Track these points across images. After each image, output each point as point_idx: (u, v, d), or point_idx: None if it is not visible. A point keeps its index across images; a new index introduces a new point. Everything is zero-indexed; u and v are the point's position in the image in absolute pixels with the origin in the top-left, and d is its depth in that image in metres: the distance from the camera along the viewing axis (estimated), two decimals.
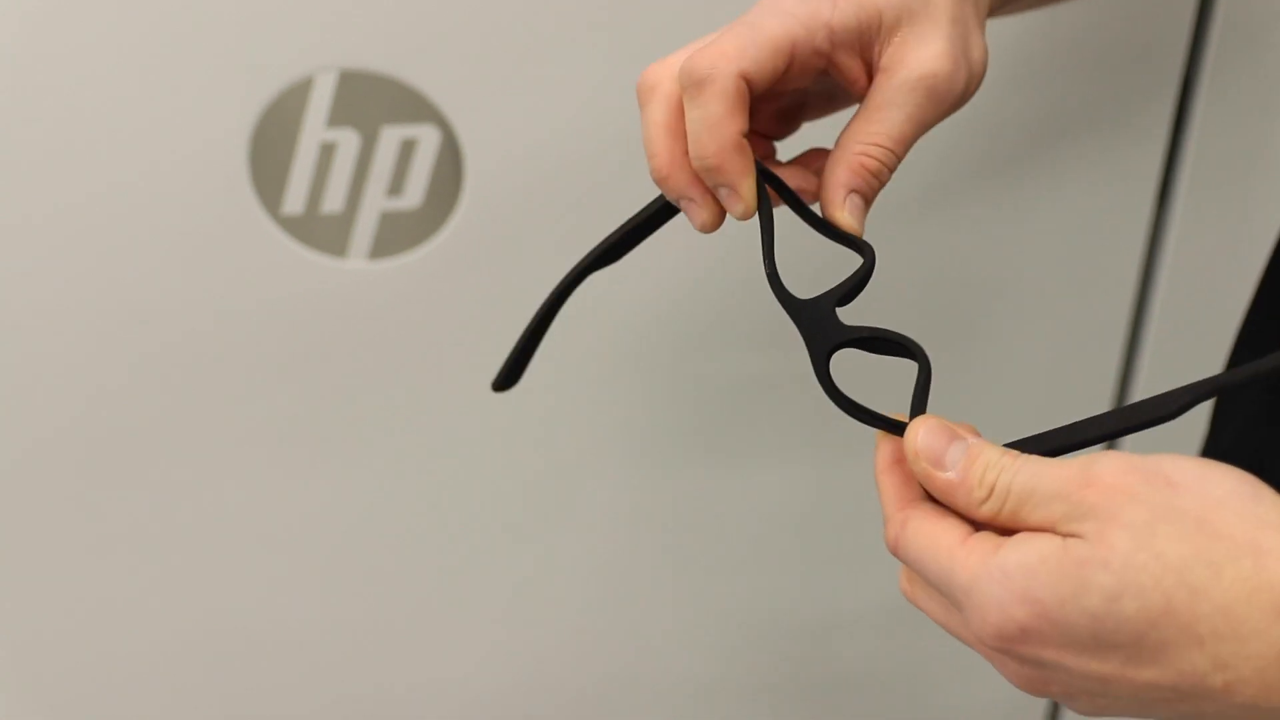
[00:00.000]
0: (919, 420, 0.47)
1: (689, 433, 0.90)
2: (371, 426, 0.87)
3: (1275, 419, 0.68)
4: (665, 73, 0.56)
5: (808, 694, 1.01)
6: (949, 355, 0.87)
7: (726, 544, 0.95)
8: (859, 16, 0.53)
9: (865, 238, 0.54)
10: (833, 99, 0.60)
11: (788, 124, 0.61)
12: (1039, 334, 0.89)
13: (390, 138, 0.77)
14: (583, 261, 0.63)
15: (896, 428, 0.50)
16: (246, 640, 0.96)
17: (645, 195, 0.80)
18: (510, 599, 0.96)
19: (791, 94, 0.60)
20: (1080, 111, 0.81)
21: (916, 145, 0.55)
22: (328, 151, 0.77)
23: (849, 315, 0.52)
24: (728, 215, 0.57)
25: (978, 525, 0.45)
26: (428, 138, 0.77)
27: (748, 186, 0.54)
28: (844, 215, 0.54)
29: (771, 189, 0.57)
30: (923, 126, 0.54)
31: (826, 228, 0.55)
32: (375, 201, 0.79)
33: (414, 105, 0.76)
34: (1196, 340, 0.89)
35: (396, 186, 0.79)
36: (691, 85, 0.54)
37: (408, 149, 0.78)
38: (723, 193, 0.55)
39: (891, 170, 0.54)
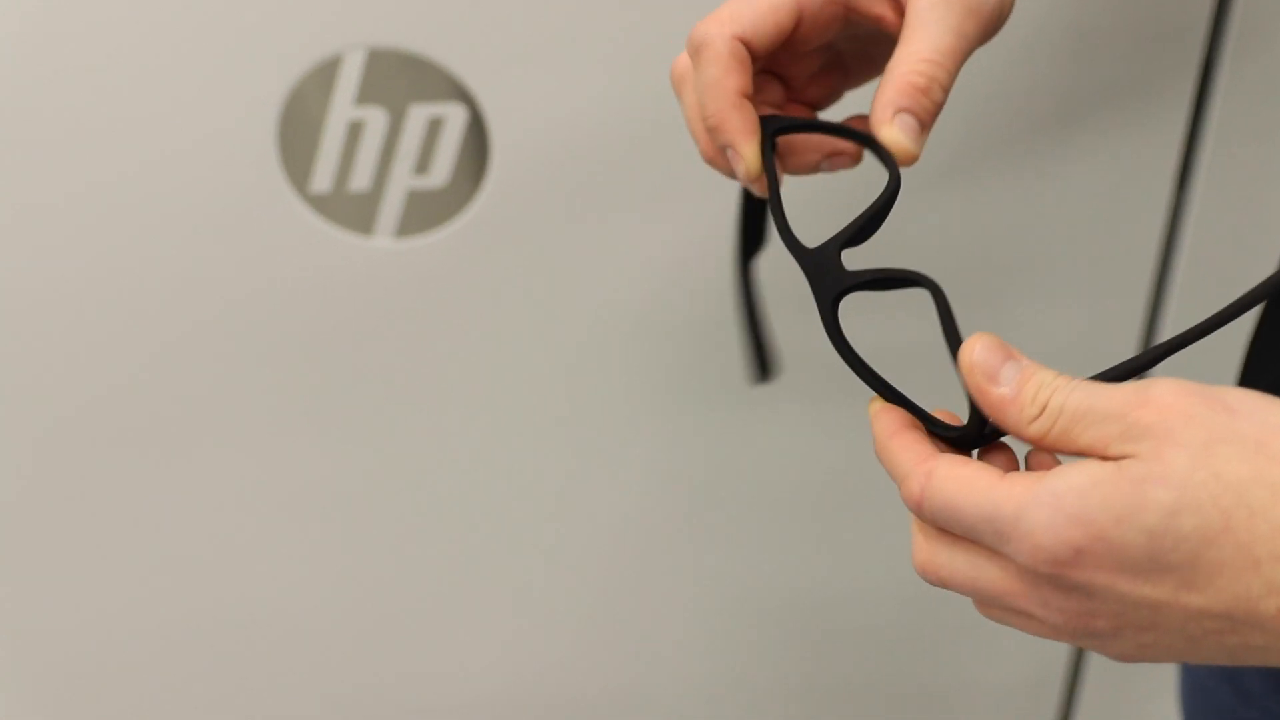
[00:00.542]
0: (975, 336, 0.45)
1: (709, 409, 0.90)
2: (395, 405, 0.88)
3: None
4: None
5: (823, 679, 1.02)
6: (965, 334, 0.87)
7: (747, 525, 0.95)
8: None
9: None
10: (871, 60, 0.60)
11: (826, 89, 0.61)
12: (1056, 316, 0.89)
13: (418, 116, 0.78)
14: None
15: (896, 396, 0.49)
16: (261, 627, 0.96)
17: (670, 173, 0.80)
18: (533, 583, 0.96)
19: (823, 54, 0.60)
20: (1099, 92, 0.82)
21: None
22: (355, 130, 0.78)
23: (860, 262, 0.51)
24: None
25: (1004, 472, 0.45)
26: (455, 116, 0.78)
27: (749, 147, 0.55)
28: (890, 130, 0.52)
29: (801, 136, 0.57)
30: (965, 40, 0.53)
31: (873, 146, 0.53)
32: (402, 180, 0.79)
33: (441, 83, 0.77)
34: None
35: (423, 165, 0.79)
36: (692, 51, 0.56)
37: (435, 127, 0.78)
38: (728, 153, 0.56)
39: (944, 88, 0.52)
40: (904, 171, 0.54)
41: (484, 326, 0.85)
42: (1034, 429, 0.44)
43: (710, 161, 0.58)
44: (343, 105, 0.77)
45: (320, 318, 0.84)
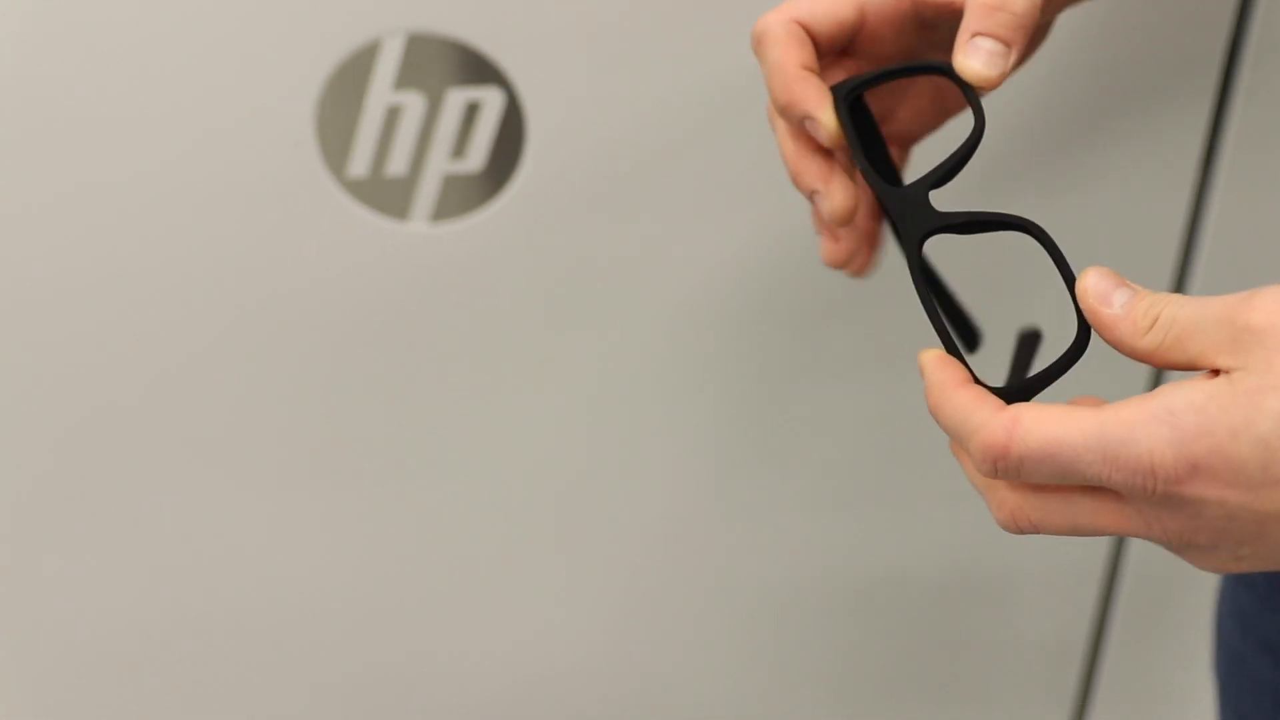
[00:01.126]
0: (1089, 268, 0.47)
1: (737, 405, 0.91)
2: (425, 389, 0.88)
3: None
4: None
5: (851, 659, 1.03)
6: (991, 333, 0.88)
7: (773, 516, 0.96)
8: None
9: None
10: None
11: (916, 113, 0.61)
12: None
13: (455, 100, 0.77)
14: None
15: (958, 354, 0.50)
16: (276, 622, 0.96)
17: (706, 169, 0.81)
18: (555, 577, 0.97)
19: (898, 58, 0.60)
20: (1120, 106, 0.82)
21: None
22: (393, 114, 0.77)
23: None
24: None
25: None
26: (492, 101, 0.78)
27: (824, 111, 0.54)
28: (963, 58, 0.51)
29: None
30: None
31: (956, 79, 0.52)
32: (438, 164, 0.79)
33: (479, 68, 0.77)
34: None
35: (459, 149, 0.79)
36: (755, 46, 0.57)
37: (471, 112, 0.78)
38: (807, 125, 0.55)
39: (1029, 7, 0.51)
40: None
41: (517, 313, 0.85)
42: (1147, 340, 0.44)
43: (795, 177, 0.57)
44: (381, 90, 0.77)
45: (355, 303, 0.83)
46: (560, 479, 0.93)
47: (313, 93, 0.76)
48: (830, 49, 0.57)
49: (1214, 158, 0.84)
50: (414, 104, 0.77)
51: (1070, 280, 0.47)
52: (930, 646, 1.03)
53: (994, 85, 0.52)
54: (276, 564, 0.93)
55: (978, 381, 0.49)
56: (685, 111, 0.78)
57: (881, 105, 0.61)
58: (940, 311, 0.51)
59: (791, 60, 0.55)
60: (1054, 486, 0.46)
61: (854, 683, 1.04)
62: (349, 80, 0.76)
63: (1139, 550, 0.99)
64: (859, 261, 0.62)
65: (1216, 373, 0.43)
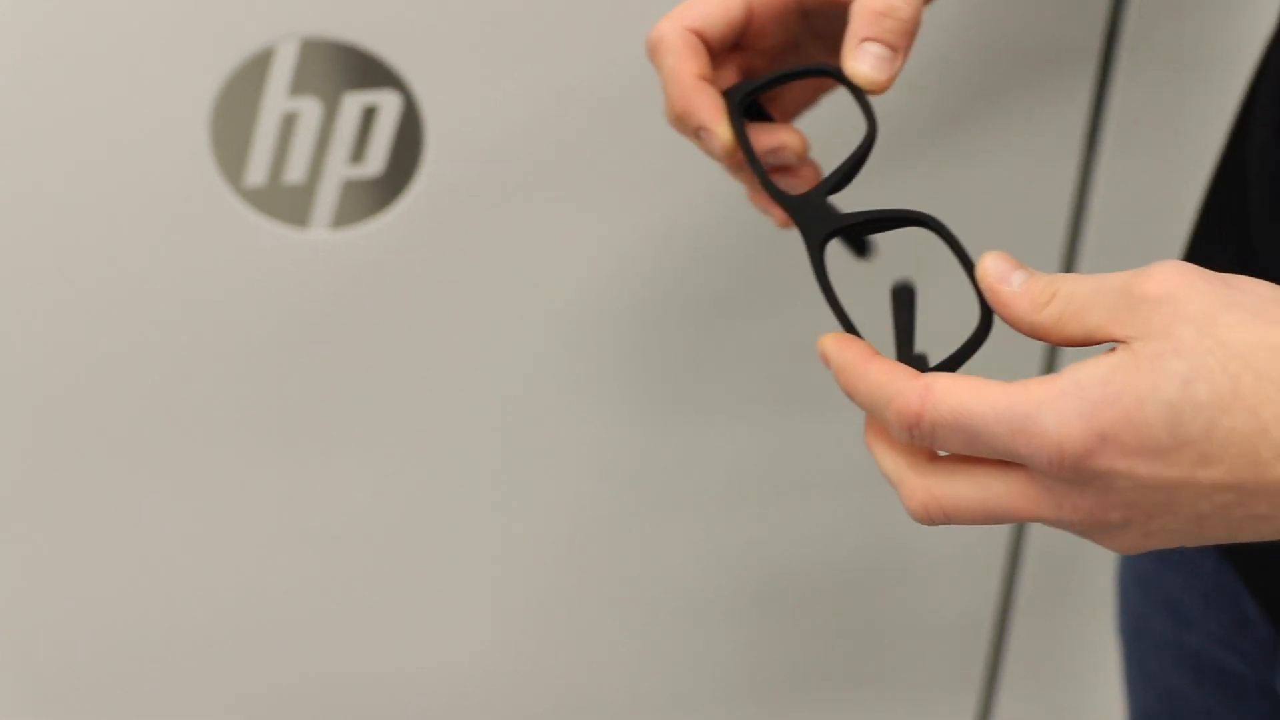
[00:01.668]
0: (988, 252, 0.48)
1: (649, 398, 0.92)
2: (335, 397, 0.87)
3: None
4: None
5: (769, 648, 1.04)
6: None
7: (691, 514, 0.97)
8: None
9: None
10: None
11: (797, 94, 0.63)
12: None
13: (351, 105, 0.77)
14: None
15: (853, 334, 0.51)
16: (209, 632, 0.95)
17: (606, 162, 0.82)
18: (481, 577, 0.97)
19: (789, 55, 0.62)
20: (1002, 86, 0.85)
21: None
22: (289, 121, 0.77)
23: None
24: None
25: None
26: (388, 104, 0.78)
27: (718, 124, 0.56)
28: (853, 63, 0.53)
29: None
30: None
31: (846, 83, 0.54)
32: (337, 170, 0.79)
33: (374, 71, 0.77)
34: None
35: (358, 154, 0.79)
36: (650, 53, 0.58)
37: (368, 115, 0.78)
38: (702, 135, 0.57)
39: (910, 5, 0.53)
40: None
41: (422, 315, 0.85)
42: (1046, 313, 0.45)
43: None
44: (276, 97, 0.76)
45: (258, 313, 0.83)
46: (472, 481, 0.93)
47: (206, 102, 0.75)
48: (723, 48, 0.59)
49: (1097, 138, 0.87)
50: (310, 110, 0.77)
51: (970, 267, 0.49)
52: (843, 632, 1.05)
53: (884, 88, 0.54)
54: (187, 573, 0.92)
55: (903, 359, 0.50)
56: (582, 106, 0.79)
57: (773, 68, 0.63)
58: (841, 305, 0.52)
59: (688, 70, 0.56)
60: (966, 468, 0.47)
61: (769, 672, 1.06)
62: (243, 88, 0.76)
63: (1041, 527, 1.01)
64: None
65: (1117, 346, 0.44)
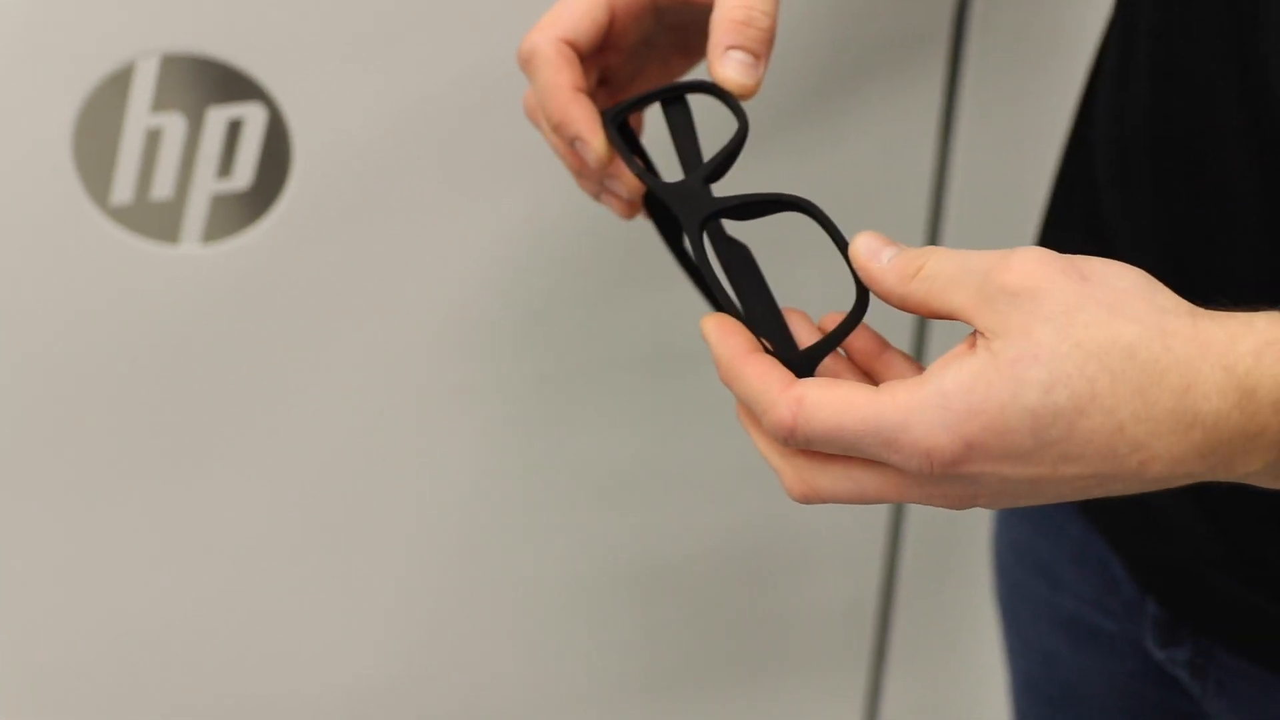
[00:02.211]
0: (860, 232, 0.50)
1: (523, 400, 0.93)
2: (213, 410, 0.87)
3: None
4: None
5: (661, 636, 1.06)
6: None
7: (567, 511, 0.98)
8: None
9: None
10: (688, 50, 0.64)
11: (649, 86, 0.65)
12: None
13: (216, 119, 0.77)
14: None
15: (741, 314, 0.52)
16: (75, 655, 0.94)
17: (471, 156, 0.82)
18: (360, 586, 0.97)
19: (642, 52, 0.64)
20: (863, 57, 0.87)
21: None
22: (154, 137, 0.77)
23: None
24: None
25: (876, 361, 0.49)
26: (254, 116, 0.78)
27: (594, 135, 0.59)
28: (721, 69, 0.55)
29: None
30: None
31: (716, 93, 0.56)
32: (205, 185, 0.79)
33: (237, 85, 0.77)
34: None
35: (225, 168, 0.79)
36: (523, 64, 0.60)
37: (234, 129, 0.78)
38: (578, 145, 0.59)
39: (766, 14, 0.56)
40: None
41: (297, 326, 0.85)
42: (913, 286, 0.47)
43: (579, 174, 0.61)
44: (139, 113, 0.76)
45: (132, 331, 0.82)
46: (349, 493, 0.93)
47: (68, 121, 0.75)
48: (590, 53, 0.60)
49: (952, 120, 0.90)
50: (174, 125, 0.77)
51: (844, 247, 0.51)
52: (730, 621, 1.07)
53: (752, 92, 0.56)
54: (57, 593, 0.91)
55: (766, 351, 0.52)
56: (447, 111, 0.80)
57: (629, 67, 0.64)
58: (720, 283, 0.54)
59: (564, 82, 0.58)
60: (840, 459, 0.48)
61: (658, 664, 1.07)
62: (105, 106, 0.75)
63: (919, 510, 1.04)
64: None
65: (977, 338, 0.46)
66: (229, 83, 0.77)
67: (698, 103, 0.67)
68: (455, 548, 0.97)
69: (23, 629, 0.91)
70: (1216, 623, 0.69)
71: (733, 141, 0.55)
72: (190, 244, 0.80)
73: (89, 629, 0.92)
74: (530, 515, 0.97)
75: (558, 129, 0.59)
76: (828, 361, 0.51)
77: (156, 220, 0.79)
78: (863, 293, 0.50)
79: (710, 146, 0.56)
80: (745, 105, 0.56)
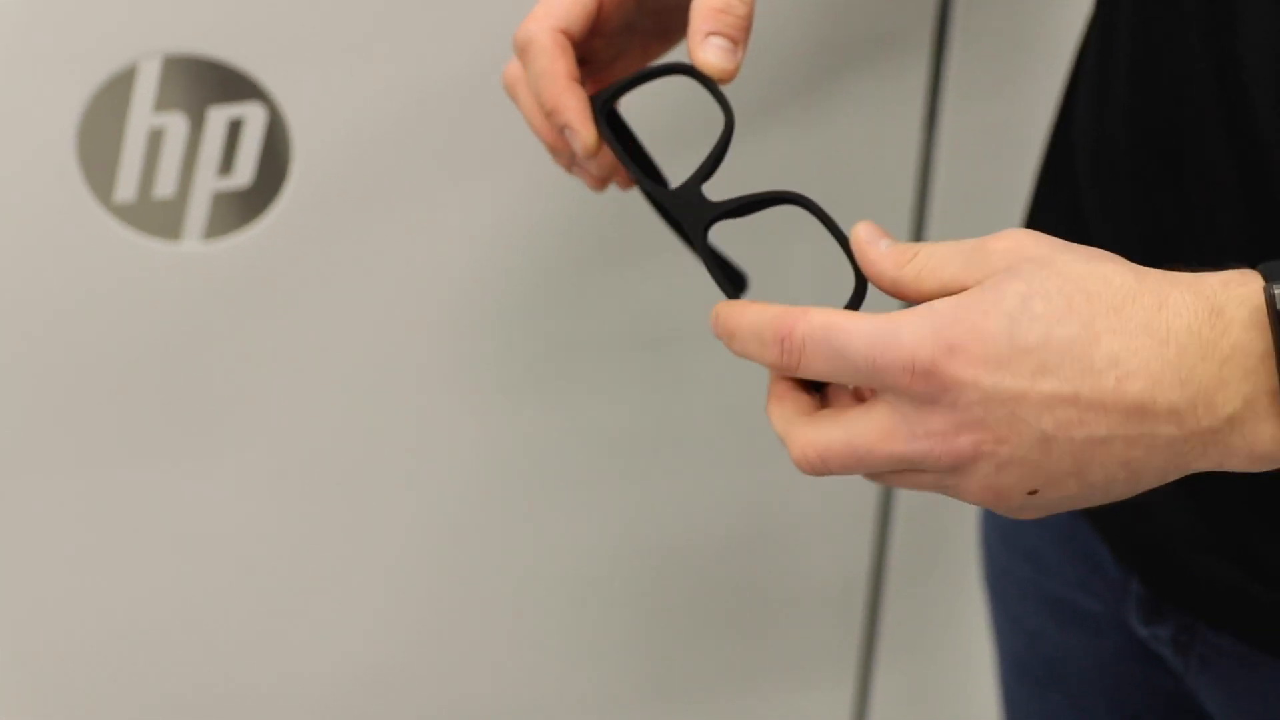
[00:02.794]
0: (861, 221, 0.53)
1: (520, 395, 0.94)
2: (214, 406, 0.88)
3: None
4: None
5: (656, 622, 1.07)
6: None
7: (562, 501, 0.99)
8: None
9: None
10: (667, 33, 0.67)
11: (628, 70, 0.67)
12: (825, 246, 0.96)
13: (217, 118, 0.79)
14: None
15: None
16: (68, 645, 0.95)
17: (471, 150, 0.84)
18: (358, 576, 0.98)
19: (623, 36, 0.66)
20: (847, 56, 0.89)
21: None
22: (156, 137, 0.78)
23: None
24: None
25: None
26: (254, 116, 0.79)
27: (584, 125, 0.60)
28: (702, 54, 0.57)
29: None
30: None
31: (700, 78, 0.58)
32: (206, 183, 0.80)
33: (237, 84, 0.78)
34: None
35: (226, 166, 0.80)
36: (519, 51, 0.62)
37: (234, 128, 0.79)
38: (567, 134, 0.61)
39: (745, 3, 0.58)
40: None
41: (298, 321, 0.87)
42: (908, 270, 0.51)
43: (554, 150, 0.63)
44: (141, 113, 0.77)
45: (134, 326, 0.84)
46: (347, 489, 0.94)
47: (72, 121, 0.76)
48: (582, 41, 0.62)
49: (935, 119, 0.92)
50: (176, 125, 0.78)
51: (842, 238, 0.54)
52: (720, 610, 1.08)
53: (732, 76, 0.58)
54: (53, 583, 0.92)
55: None
56: (445, 109, 0.82)
57: (610, 50, 0.66)
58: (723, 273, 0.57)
59: (559, 71, 0.60)
60: (834, 415, 0.51)
61: (647, 652, 1.08)
62: (108, 105, 0.77)
63: (908, 495, 1.06)
64: (619, 176, 0.67)
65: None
66: (229, 83, 0.78)
67: (683, 94, 0.69)
68: (449, 539, 0.98)
69: (22, 620, 0.92)
70: (1199, 601, 0.70)
71: (721, 139, 0.57)
72: (192, 241, 0.82)
73: (87, 620, 0.94)
74: (516, 505, 0.98)
75: (550, 116, 0.61)
76: None
77: (159, 218, 0.80)
78: (861, 281, 0.53)
79: (695, 133, 0.58)
80: (731, 102, 0.58)
